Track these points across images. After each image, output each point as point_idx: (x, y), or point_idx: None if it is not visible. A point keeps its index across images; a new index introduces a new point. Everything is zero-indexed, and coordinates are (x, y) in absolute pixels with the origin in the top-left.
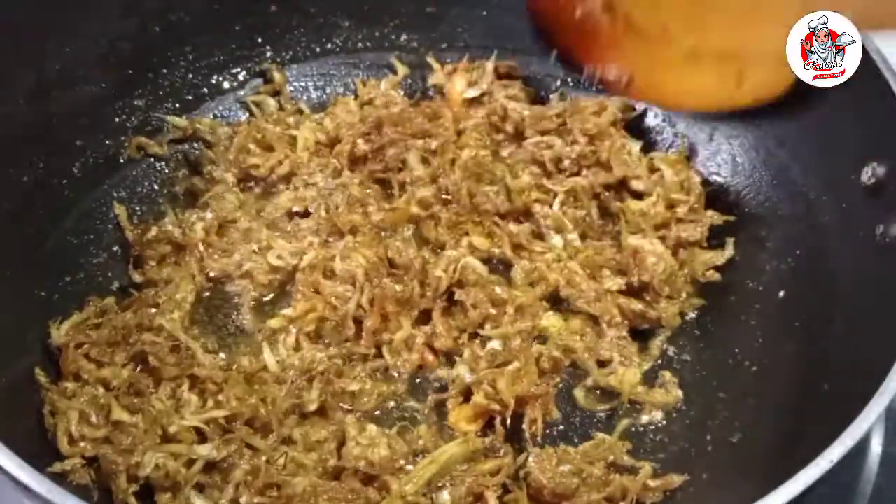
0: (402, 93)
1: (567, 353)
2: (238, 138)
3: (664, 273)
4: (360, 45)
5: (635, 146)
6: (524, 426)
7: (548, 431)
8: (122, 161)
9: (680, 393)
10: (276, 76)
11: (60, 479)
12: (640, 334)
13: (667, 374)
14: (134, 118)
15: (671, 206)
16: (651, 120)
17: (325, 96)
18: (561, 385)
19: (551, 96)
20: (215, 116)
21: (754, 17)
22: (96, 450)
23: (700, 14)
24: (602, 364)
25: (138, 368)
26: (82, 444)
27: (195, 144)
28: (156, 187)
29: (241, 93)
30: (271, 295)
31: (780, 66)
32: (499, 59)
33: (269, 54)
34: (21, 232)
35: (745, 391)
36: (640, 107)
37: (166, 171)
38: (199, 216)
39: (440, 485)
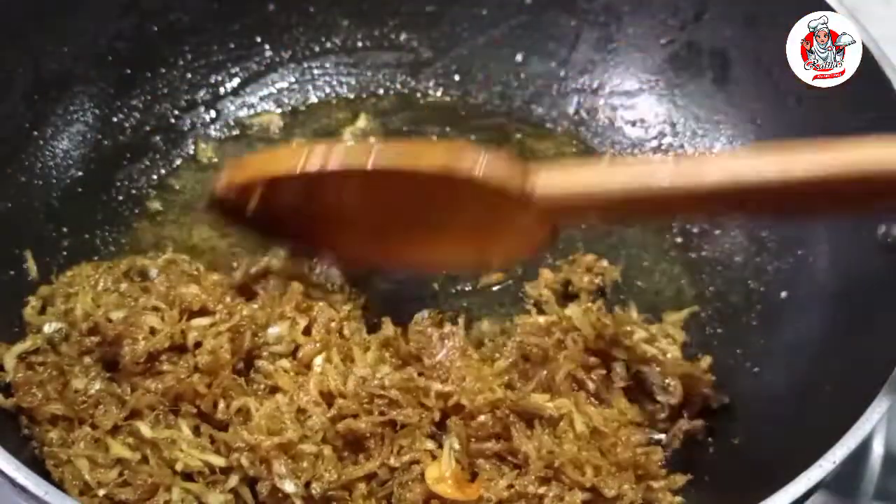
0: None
1: None
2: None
3: None
4: (359, 44)
5: None
6: None
7: None
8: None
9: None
10: None
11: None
12: None
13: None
14: (132, 118)
15: None
16: (652, 119)
17: (324, 96)
18: None
19: None
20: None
21: None
22: (113, 493)
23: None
24: None
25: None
26: (101, 492)
27: None
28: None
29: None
30: None
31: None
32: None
33: (267, 54)
34: (18, 233)
35: (747, 392)
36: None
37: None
38: None
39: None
